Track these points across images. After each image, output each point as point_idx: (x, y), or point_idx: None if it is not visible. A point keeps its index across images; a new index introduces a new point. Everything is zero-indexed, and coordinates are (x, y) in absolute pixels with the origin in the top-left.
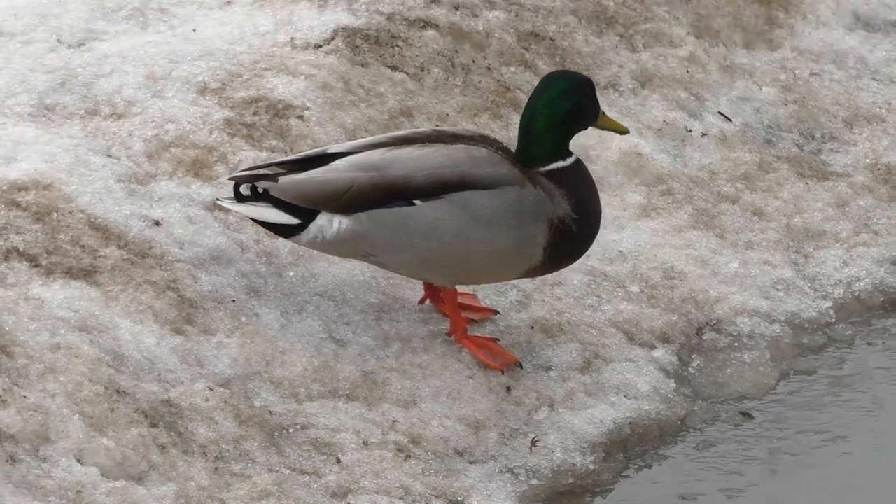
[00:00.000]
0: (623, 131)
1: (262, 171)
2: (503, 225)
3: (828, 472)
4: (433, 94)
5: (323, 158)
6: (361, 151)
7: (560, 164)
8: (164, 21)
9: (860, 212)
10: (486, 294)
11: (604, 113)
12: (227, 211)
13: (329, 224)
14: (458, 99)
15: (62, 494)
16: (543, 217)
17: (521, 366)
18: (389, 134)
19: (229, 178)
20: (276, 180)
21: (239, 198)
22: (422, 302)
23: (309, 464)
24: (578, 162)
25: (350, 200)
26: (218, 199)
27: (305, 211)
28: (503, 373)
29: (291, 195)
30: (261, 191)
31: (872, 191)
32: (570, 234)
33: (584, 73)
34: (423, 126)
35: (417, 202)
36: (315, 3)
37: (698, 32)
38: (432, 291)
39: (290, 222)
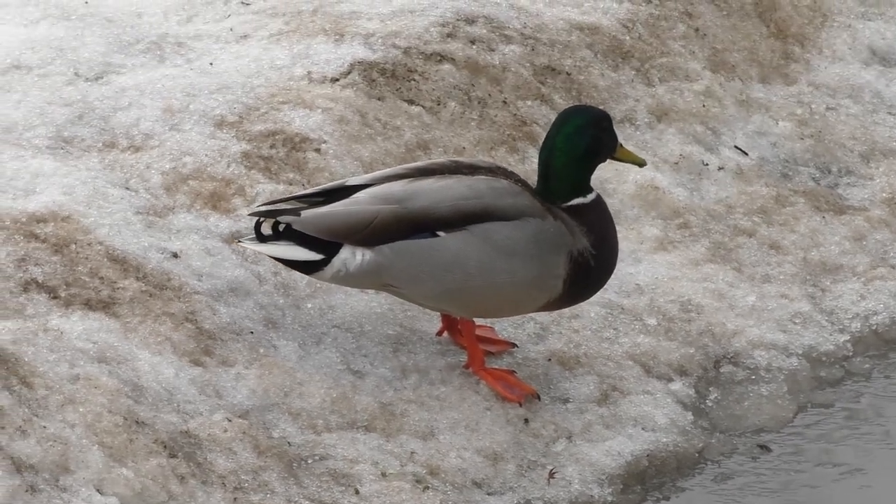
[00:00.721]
0: (641, 163)
1: (281, 206)
2: (525, 256)
3: None
4: (449, 127)
5: (342, 191)
6: (381, 183)
7: (580, 200)
8: (180, 54)
9: (877, 246)
10: (503, 327)
11: (622, 145)
12: (250, 251)
13: (352, 257)
14: (475, 132)
15: None
16: (564, 249)
17: (538, 397)
18: (407, 165)
19: (250, 214)
20: (299, 214)
21: (260, 237)
22: (439, 334)
23: (327, 495)
24: (599, 198)
25: (374, 233)
26: (240, 241)
27: (327, 246)
28: (521, 405)
29: (314, 229)
30: (281, 228)
31: (889, 225)
32: (589, 268)
33: (601, 106)
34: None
35: (441, 233)
36: (332, 36)
37: (714, 67)
38: (450, 323)
39: (314, 258)
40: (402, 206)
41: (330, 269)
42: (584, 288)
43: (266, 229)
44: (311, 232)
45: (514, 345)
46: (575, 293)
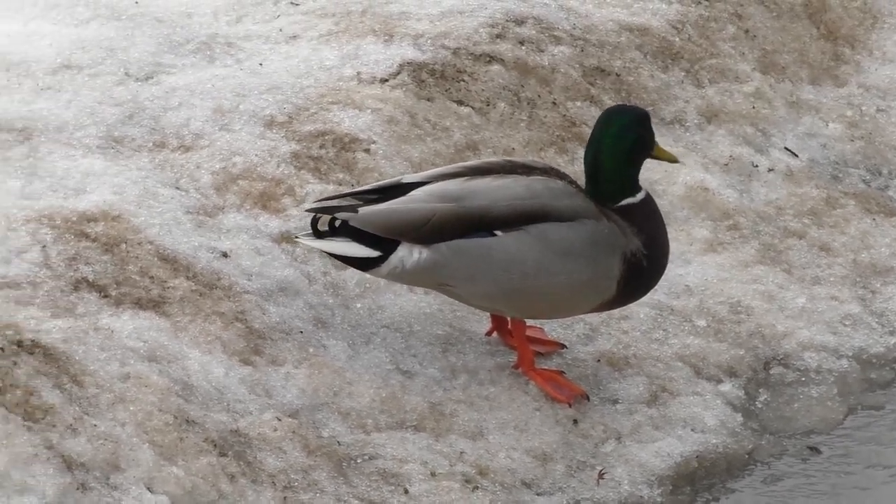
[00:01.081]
0: (674, 160)
1: (337, 203)
2: (581, 257)
3: None
4: (499, 128)
5: (398, 188)
6: (437, 181)
7: (630, 200)
8: (230, 55)
9: None
10: (552, 327)
11: (657, 143)
12: (307, 247)
13: (409, 255)
14: (524, 133)
15: None
16: (618, 250)
17: (588, 398)
18: (462, 164)
19: (307, 210)
20: (356, 211)
21: (316, 233)
22: (489, 333)
23: (377, 494)
24: (648, 197)
25: (431, 231)
26: (296, 237)
27: (384, 243)
28: (570, 405)
29: (372, 226)
30: (337, 224)
31: None
32: (641, 268)
33: (650, 108)
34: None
35: (498, 233)
36: (381, 37)
37: (764, 68)
38: (500, 323)
39: (371, 255)
40: (459, 205)
41: (386, 267)
42: (637, 288)
43: (321, 226)
44: (368, 229)
45: (563, 346)
46: (628, 294)
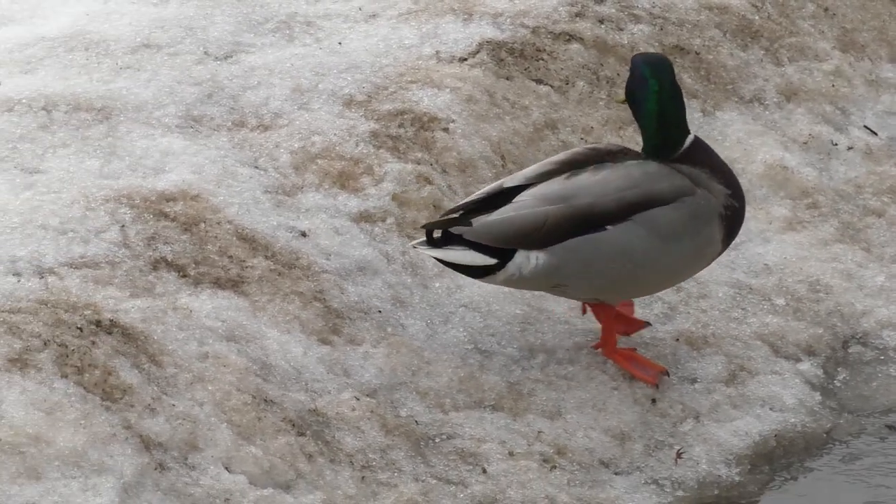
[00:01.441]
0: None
1: (452, 217)
2: (686, 236)
3: None
4: (578, 107)
5: (502, 194)
6: (537, 182)
7: (689, 138)
8: (309, 34)
9: None
10: None
11: None
12: (426, 256)
13: (527, 261)
14: (603, 112)
15: (210, 502)
16: (715, 215)
17: (668, 373)
18: (552, 159)
19: (422, 227)
20: (470, 224)
21: (431, 241)
22: (584, 311)
23: (455, 473)
24: (695, 135)
25: (546, 234)
26: (413, 245)
27: (500, 250)
28: (657, 386)
29: (488, 237)
30: (452, 231)
31: None
32: (735, 211)
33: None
34: (573, 141)
35: (609, 227)
36: (460, 16)
37: (843, 47)
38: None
39: (489, 262)
40: (568, 205)
41: (503, 274)
42: (737, 227)
43: (437, 236)
44: (484, 241)
45: (648, 323)
46: (731, 238)
